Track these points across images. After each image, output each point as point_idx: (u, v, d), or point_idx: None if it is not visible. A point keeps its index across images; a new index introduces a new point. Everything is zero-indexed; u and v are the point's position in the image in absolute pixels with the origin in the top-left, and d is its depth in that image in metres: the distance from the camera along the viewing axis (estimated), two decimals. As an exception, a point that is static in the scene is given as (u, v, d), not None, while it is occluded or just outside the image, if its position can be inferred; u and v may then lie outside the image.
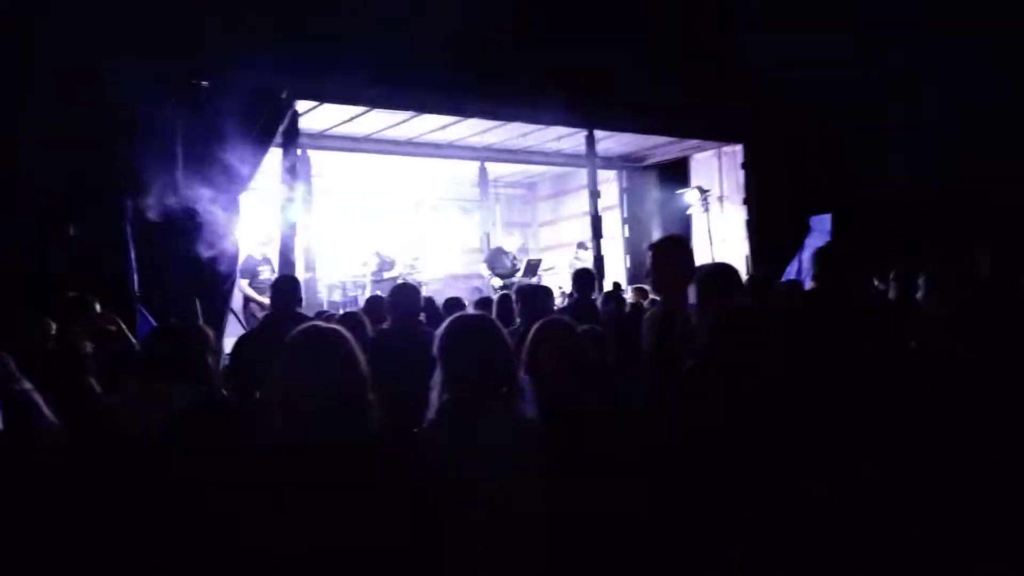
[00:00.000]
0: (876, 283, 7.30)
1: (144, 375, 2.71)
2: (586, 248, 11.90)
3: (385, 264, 10.95)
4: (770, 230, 11.15)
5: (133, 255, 6.90)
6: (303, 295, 5.88)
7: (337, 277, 11.64)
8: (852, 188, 11.20)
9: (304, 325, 2.54)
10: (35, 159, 6.64)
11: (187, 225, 7.41)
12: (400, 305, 4.78)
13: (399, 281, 10.21)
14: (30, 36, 6.71)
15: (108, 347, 4.35)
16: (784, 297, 5.53)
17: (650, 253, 3.66)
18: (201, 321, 6.31)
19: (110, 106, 6.92)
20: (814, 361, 3.03)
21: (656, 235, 13.19)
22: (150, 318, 6.50)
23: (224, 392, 3.19)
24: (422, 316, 5.22)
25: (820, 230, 10.95)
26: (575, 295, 6.46)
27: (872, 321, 3.47)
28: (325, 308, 9.49)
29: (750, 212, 11.54)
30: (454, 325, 2.64)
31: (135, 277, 6.85)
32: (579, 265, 11.72)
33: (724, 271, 3.65)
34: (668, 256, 3.59)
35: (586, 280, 6.35)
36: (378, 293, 9.04)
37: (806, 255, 10.21)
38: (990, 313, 2.55)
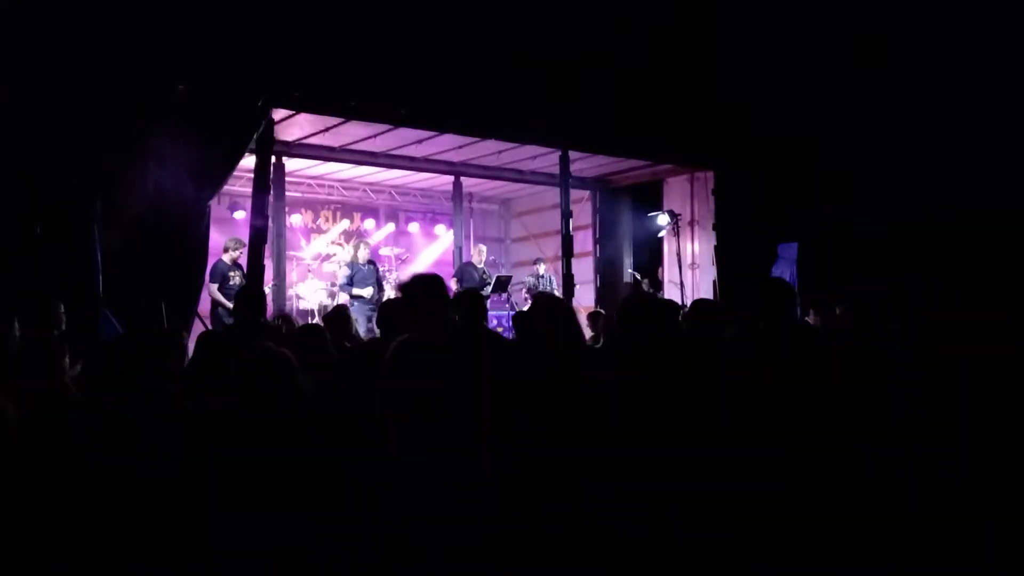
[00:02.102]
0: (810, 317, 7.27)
1: (91, 385, 2.70)
2: (543, 262, 12.53)
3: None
4: (739, 257, 11.26)
5: (99, 257, 6.84)
6: (268, 305, 5.88)
7: (307, 285, 11.62)
8: (822, 217, 11.33)
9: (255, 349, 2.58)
10: (2, 157, 6.57)
11: (155, 228, 7.37)
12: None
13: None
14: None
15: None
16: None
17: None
18: (166, 325, 6.27)
19: (81, 106, 6.88)
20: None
21: (628, 256, 13.35)
22: (114, 321, 6.45)
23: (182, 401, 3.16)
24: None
25: (787, 258, 11.10)
26: None
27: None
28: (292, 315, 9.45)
29: (719, 238, 11.66)
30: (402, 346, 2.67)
31: (100, 279, 6.79)
32: (530, 282, 12.11)
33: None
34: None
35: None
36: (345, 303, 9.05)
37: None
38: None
